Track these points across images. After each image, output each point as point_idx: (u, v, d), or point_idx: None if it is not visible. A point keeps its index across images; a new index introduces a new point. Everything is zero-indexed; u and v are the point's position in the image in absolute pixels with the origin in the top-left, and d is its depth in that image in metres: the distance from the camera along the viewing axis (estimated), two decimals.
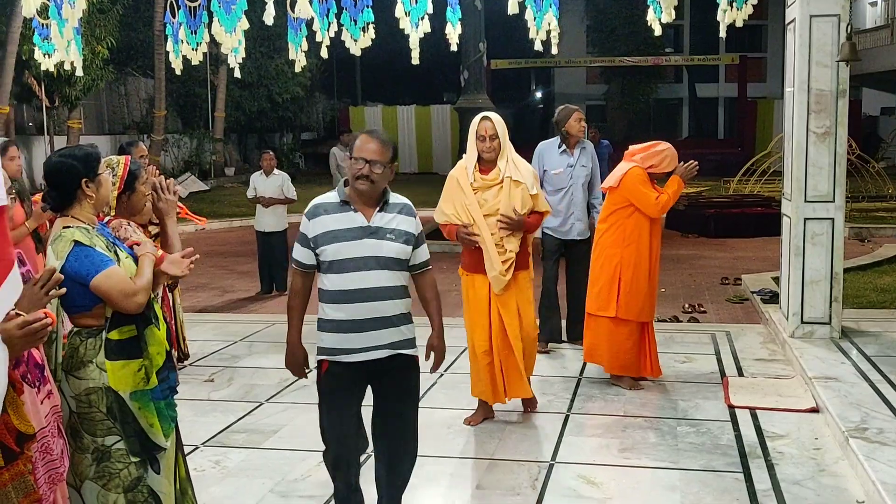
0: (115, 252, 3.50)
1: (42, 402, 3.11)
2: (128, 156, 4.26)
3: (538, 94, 45.24)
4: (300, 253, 3.98)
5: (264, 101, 31.87)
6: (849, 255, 11.18)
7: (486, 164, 5.72)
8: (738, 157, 26.83)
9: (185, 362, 7.49)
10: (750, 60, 34.61)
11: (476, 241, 5.67)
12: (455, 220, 5.77)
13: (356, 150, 3.89)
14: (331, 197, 3.99)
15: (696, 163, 6.54)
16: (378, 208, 3.94)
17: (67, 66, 7.34)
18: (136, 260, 3.62)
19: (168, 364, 3.63)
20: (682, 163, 6.54)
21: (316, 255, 3.94)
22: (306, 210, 3.95)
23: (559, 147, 7.61)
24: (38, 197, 6.19)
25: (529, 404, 6.10)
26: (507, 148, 5.71)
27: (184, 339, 7.54)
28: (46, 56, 7.20)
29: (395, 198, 4.04)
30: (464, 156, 5.83)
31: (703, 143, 35.29)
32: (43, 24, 6.84)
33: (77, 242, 3.39)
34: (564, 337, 7.93)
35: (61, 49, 6.92)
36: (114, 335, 3.42)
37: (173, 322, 7.17)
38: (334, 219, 3.90)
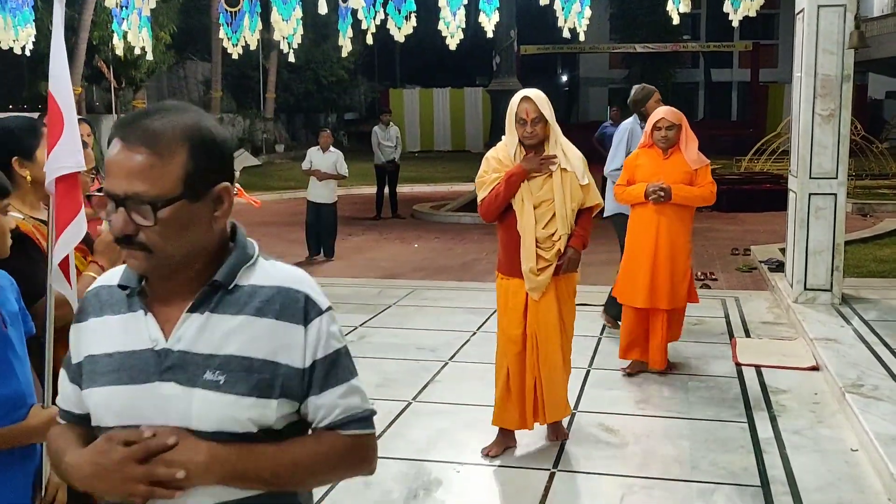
0: None
1: None
2: None
3: (564, 78, 44.96)
4: (63, 392, 1.77)
5: (311, 83, 32.06)
6: (851, 228, 11.17)
7: (529, 150, 4.55)
8: (749, 137, 26.52)
9: None
10: (762, 47, 34.16)
11: (553, 163, 4.48)
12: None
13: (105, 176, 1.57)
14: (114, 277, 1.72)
15: (663, 193, 5.69)
16: (192, 304, 1.61)
17: (138, 51, 7.53)
18: None
19: None
20: (657, 185, 5.73)
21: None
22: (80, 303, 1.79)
23: (640, 128, 6.81)
24: None
25: (558, 432, 4.90)
26: (554, 131, 4.55)
27: None
28: (121, 41, 7.40)
29: (256, 271, 1.67)
30: (503, 138, 4.66)
31: (717, 124, 34.96)
32: (120, 13, 7.01)
33: None
34: None
35: (134, 34, 7.10)
36: None
37: None
38: (107, 327, 1.67)
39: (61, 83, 2.34)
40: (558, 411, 4.74)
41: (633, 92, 7.07)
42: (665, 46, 32.67)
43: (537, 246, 4.52)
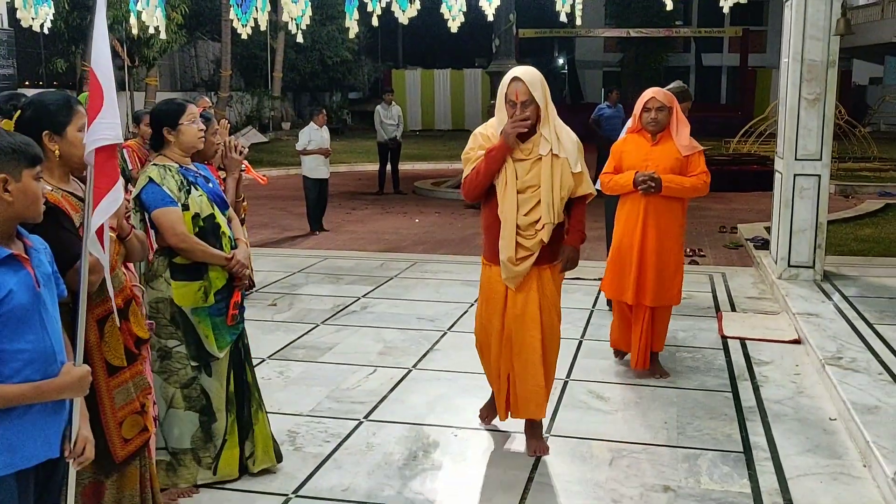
0: (189, 190, 3.65)
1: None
2: (199, 108, 4.37)
3: (560, 61, 44.76)
4: None
5: (317, 63, 31.88)
6: (834, 209, 11.19)
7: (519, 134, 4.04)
8: (738, 120, 26.46)
9: (252, 290, 7.71)
10: (752, 33, 33.98)
11: (527, 125, 3.95)
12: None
13: None
14: None
15: (654, 184, 5.06)
16: None
17: (152, 30, 7.50)
18: (212, 199, 3.75)
19: (229, 287, 3.77)
20: (647, 174, 5.07)
21: None
22: None
23: None
24: (128, 143, 6.35)
25: (535, 444, 4.31)
26: (549, 113, 4.04)
27: (251, 270, 7.73)
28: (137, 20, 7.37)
29: None
30: (491, 119, 4.22)
31: (707, 107, 34.83)
32: None
33: (150, 179, 3.62)
34: None
35: (149, 14, 7.07)
36: (178, 259, 3.60)
37: None
38: None
39: (102, 61, 2.36)
40: (530, 407, 4.23)
41: (674, 84, 6.03)
42: (658, 31, 32.51)
43: (518, 233, 4.05)
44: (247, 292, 7.49)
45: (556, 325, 4.28)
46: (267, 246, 10.41)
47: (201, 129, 3.77)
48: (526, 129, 3.98)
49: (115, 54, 21.06)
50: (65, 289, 2.43)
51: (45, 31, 8.44)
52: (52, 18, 8.27)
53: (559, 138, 4.05)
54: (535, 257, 4.08)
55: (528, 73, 3.97)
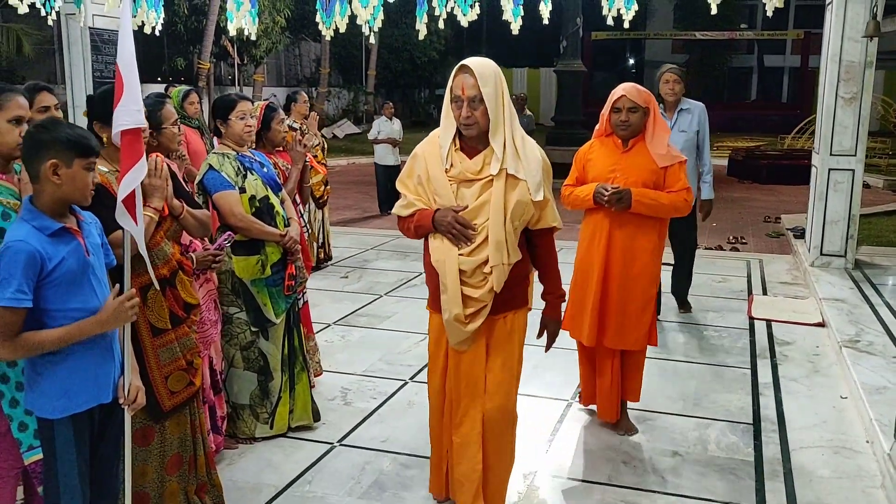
0: (245, 175, 3.73)
1: (200, 286, 3.44)
2: (266, 101, 4.47)
3: (631, 62, 43.95)
4: None
5: (407, 62, 31.98)
6: (880, 202, 10.76)
7: (471, 141, 2.87)
8: (796, 117, 25.44)
9: (328, 263, 7.86)
10: (814, 35, 32.60)
11: (470, 237, 2.82)
12: (422, 206, 2.92)
13: None
14: None
15: (619, 197, 3.71)
16: None
17: (247, 33, 7.67)
18: (266, 182, 3.82)
19: (284, 261, 3.83)
20: (613, 187, 3.74)
21: None
22: None
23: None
24: None
25: None
26: (506, 118, 2.81)
27: (329, 245, 7.89)
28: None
29: None
30: (436, 130, 2.98)
31: (767, 105, 33.82)
32: None
33: (210, 166, 3.72)
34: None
35: (239, 19, 7.24)
36: (237, 236, 3.67)
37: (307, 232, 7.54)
38: None
39: (126, 57, 2.44)
40: (464, 494, 3.02)
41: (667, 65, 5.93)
42: (722, 34, 31.56)
43: (463, 281, 2.85)
44: (322, 265, 7.68)
45: (510, 392, 3.01)
46: (347, 225, 10.58)
47: (248, 126, 3.81)
48: (467, 245, 2.86)
49: (226, 53, 21.65)
50: (114, 258, 2.53)
51: (157, 33, 8.70)
52: (162, 22, 8.50)
53: (518, 154, 2.83)
54: (487, 309, 2.88)
55: (479, 64, 2.78)
